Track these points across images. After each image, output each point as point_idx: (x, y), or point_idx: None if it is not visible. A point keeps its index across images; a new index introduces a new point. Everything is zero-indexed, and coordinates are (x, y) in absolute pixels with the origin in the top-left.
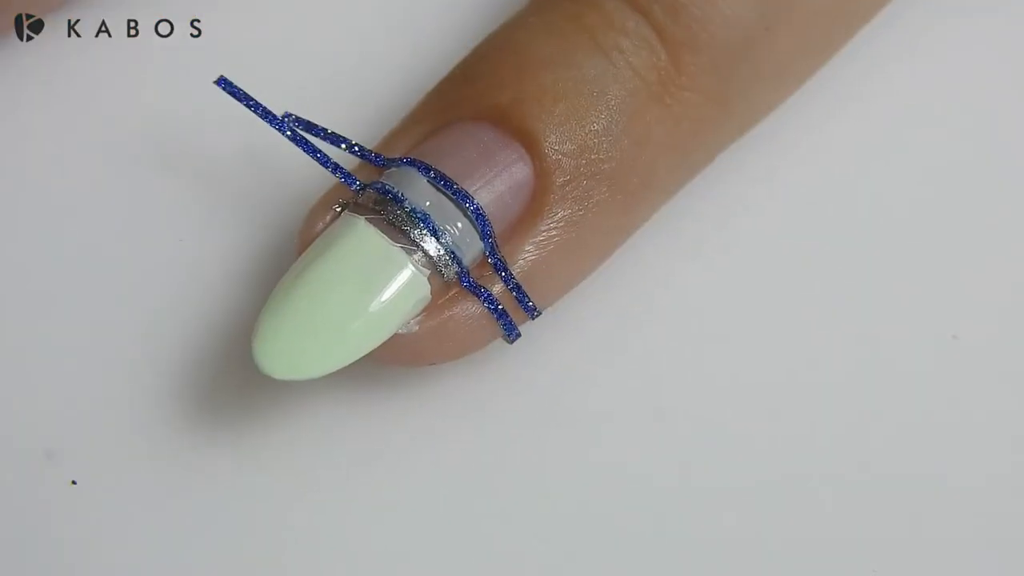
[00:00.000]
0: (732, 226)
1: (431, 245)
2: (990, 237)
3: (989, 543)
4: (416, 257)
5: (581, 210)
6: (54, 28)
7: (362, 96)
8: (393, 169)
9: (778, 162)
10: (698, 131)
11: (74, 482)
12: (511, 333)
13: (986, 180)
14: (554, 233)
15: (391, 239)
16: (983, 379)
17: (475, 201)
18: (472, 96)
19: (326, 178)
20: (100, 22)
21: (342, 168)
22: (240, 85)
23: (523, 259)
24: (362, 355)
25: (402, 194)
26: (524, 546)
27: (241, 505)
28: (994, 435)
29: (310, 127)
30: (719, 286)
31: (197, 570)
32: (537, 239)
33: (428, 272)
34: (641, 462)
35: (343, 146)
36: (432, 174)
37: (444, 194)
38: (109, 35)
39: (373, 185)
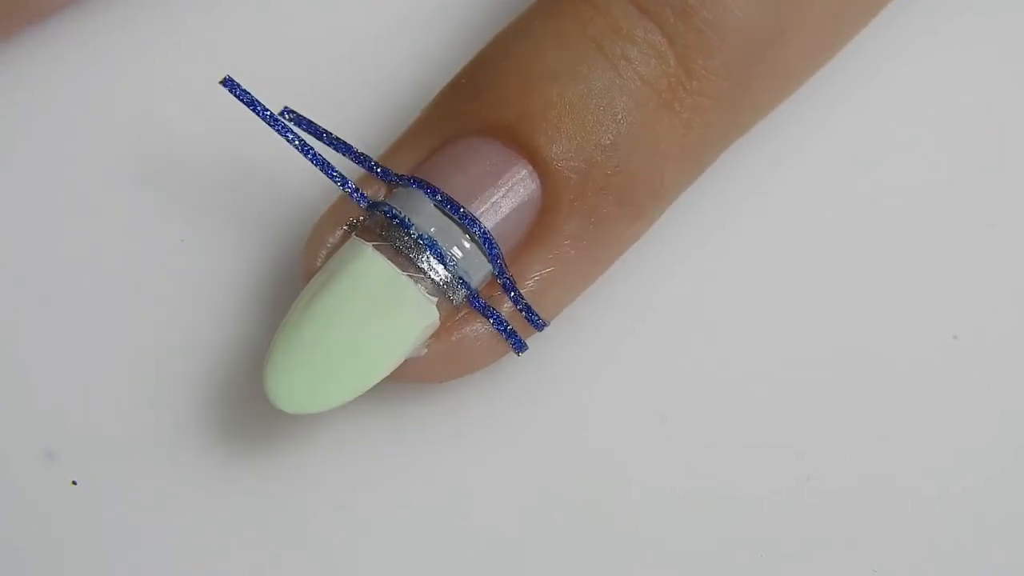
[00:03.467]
0: (732, 226)
1: (438, 272)
2: (990, 237)
3: (989, 543)
4: (424, 284)
5: (589, 225)
6: (54, 28)
7: (364, 100)
8: (399, 191)
9: (778, 162)
10: (707, 135)
11: (74, 482)
12: (520, 349)
13: (986, 179)
14: (562, 249)
15: (399, 266)
16: (983, 379)
17: (482, 225)
18: (477, 111)
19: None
20: (101, 23)
21: (349, 183)
22: (245, 79)
23: (532, 278)
24: (372, 385)
25: (408, 219)
26: (527, 549)
27: (241, 505)
28: (995, 435)
29: (311, 127)
30: (719, 287)
31: (197, 570)
32: (546, 257)
33: (436, 299)
34: (645, 464)
35: (346, 154)
36: (439, 197)
37: (450, 218)
38: (110, 35)
39: (379, 208)
